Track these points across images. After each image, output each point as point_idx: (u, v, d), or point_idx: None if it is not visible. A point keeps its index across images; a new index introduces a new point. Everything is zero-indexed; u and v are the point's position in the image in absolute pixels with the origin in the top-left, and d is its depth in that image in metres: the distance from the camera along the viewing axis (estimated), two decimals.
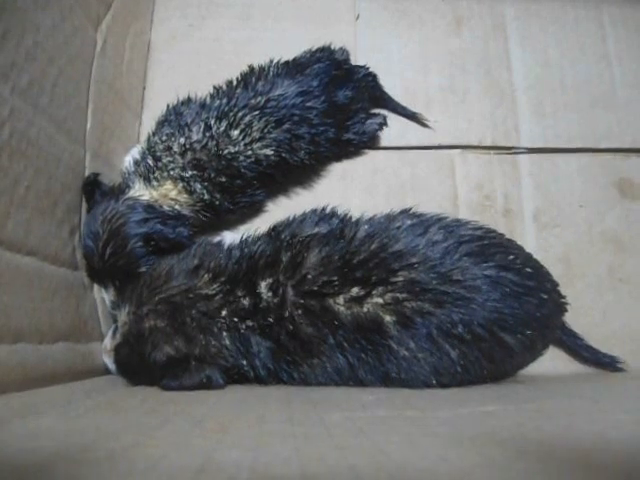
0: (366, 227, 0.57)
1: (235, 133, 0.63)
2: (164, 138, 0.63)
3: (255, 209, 0.71)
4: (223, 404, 0.43)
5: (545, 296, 0.55)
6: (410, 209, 0.60)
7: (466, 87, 0.81)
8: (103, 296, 0.62)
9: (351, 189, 0.76)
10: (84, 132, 0.62)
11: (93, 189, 0.61)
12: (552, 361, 0.66)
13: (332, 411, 0.40)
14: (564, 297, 0.60)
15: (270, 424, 0.34)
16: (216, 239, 0.67)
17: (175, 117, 0.65)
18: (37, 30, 0.52)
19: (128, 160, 0.67)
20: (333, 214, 0.62)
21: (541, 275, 0.58)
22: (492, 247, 0.55)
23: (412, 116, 0.77)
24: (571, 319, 0.64)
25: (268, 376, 0.54)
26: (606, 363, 0.64)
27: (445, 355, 0.51)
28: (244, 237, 0.61)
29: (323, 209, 0.63)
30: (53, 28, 0.55)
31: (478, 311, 0.51)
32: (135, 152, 0.68)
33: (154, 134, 0.65)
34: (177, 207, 0.62)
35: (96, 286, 0.63)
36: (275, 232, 0.60)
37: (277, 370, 0.54)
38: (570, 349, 0.65)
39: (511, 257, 0.55)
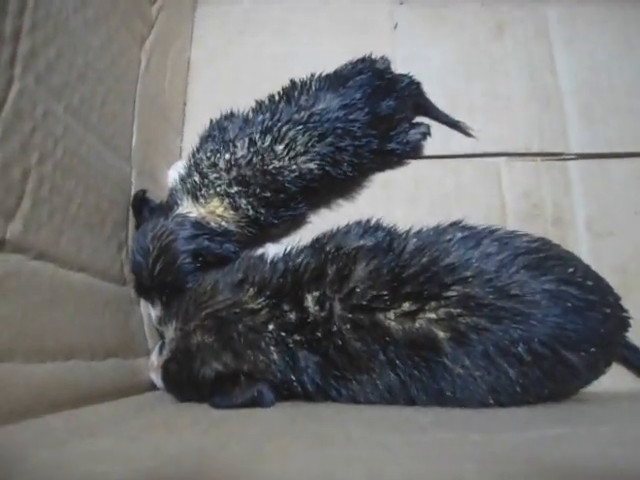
0: (415, 240, 0.55)
1: (280, 148, 0.62)
2: (209, 154, 0.63)
3: (298, 222, 0.71)
4: (276, 424, 0.42)
5: (608, 310, 0.52)
6: (460, 221, 0.57)
7: (510, 93, 0.79)
8: (149, 312, 0.62)
9: (394, 199, 0.74)
10: (130, 149, 0.63)
11: (142, 205, 0.61)
12: (613, 378, 0.62)
13: (390, 433, 0.38)
14: (627, 311, 0.56)
15: (330, 447, 0.33)
16: (259, 252, 0.67)
17: (219, 132, 0.65)
18: (87, 51, 0.53)
19: (173, 176, 0.67)
20: (378, 226, 0.60)
21: (603, 288, 0.54)
22: (550, 259, 0.52)
23: (456, 124, 0.75)
24: (631, 333, 0.60)
25: (317, 392, 0.53)
26: None
27: (503, 374, 0.49)
28: (287, 249, 0.60)
29: (368, 221, 0.61)
30: (102, 48, 0.56)
31: (538, 327, 0.48)
32: (180, 167, 0.68)
33: (198, 150, 0.66)
34: (224, 223, 0.62)
35: (142, 301, 0.63)
36: (319, 244, 0.59)
37: (325, 386, 0.53)
38: (633, 366, 0.62)
39: (571, 270, 0.52)
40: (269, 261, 0.60)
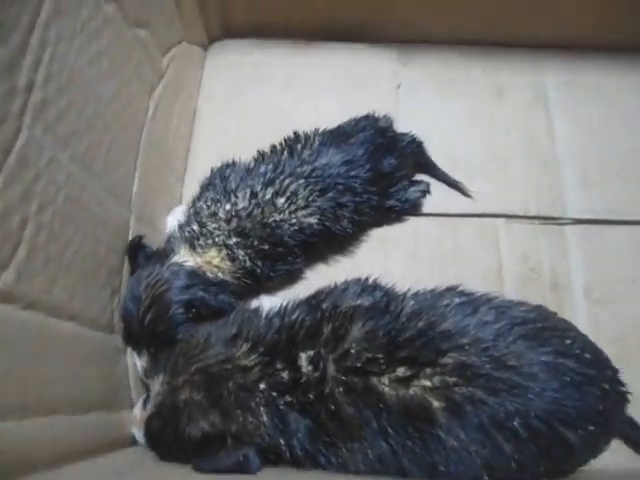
0: (412, 302, 0.55)
1: (281, 201, 0.63)
2: (209, 203, 0.63)
3: (294, 276, 0.70)
4: None
5: (607, 386, 0.51)
6: (457, 286, 0.57)
7: (509, 156, 0.81)
8: (135, 362, 0.60)
9: (392, 256, 0.74)
10: (130, 195, 0.63)
11: (137, 251, 0.61)
12: (611, 455, 0.60)
13: None
14: (625, 385, 0.55)
15: None
16: (254, 304, 0.66)
17: (220, 181, 0.65)
18: (98, 101, 0.54)
19: (172, 222, 0.67)
20: (376, 286, 0.60)
21: (601, 361, 0.53)
22: (547, 330, 0.52)
23: (454, 184, 0.76)
24: (630, 408, 0.59)
25: (305, 458, 0.51)
26: None
27: (498, 449, 0.47)
28: (283, 304, 0.59)
29: (366, 280, 0.61)
30: (112, 98, 0.57)
31: (535, 402, 0.47)
32: (179, 214, 0.68)
33: (199, 198, 0.66)
34: (220, 274, 0.62)
35: (129, 350, 0.61)
36: (315, 301, 0.58)
37: (315, 452, 0.51)
38: (633, 443, 0.60)
39: (568, 341, 0.51)
40: (264, 316, 0.59)
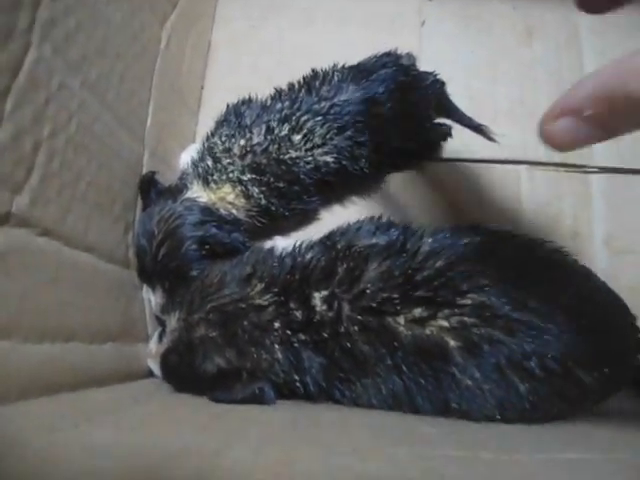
0: (430, 241, 0.53)
1: (297, 138, 0.61)
2: (224, 139, 0.61)
3: (309, 216, 0.69)
4: (278, 425, 0.41)
5: (624, 331, 0.50)
6: (479, 225, 0.56)
7: (536, 100, 0.77)
8: (150, 297, 0.61)
9: (410, 201, 0.72)
10: (144, 129, 0.61)
11: (149, 187, 0.60)
12: (622, 397, 0.60)
13: (397, 445, 0.36)
14: None
15: (337, 457, 0.31)
16: (268, 244, 0.65)
17: (235, 118, 0.63)
18: (108, 25, 0.51)
19: (186, 159, 0.66)
20: (391, 224, 0.59)
21: (619, 308, 0.53)
22: (569, 273, 0.51)
23: (478, 128, 0.73)
24: None
25: (319, 394, 0.51)
26: None
27: (513, 388, 0.47)
28: (297, 244, 0.58)
29: (380, 217, 0.59)
30: (122, 23, 0.54)
31: (553, 343, 0.46)
32: (193, 151, 0.67)
33: (213, 134, 0.64)
34: (234, 211, 0.60)
35: (144, 287, 0.61)
36: (330, 241, 0.57)
37: (329, 388, 0.51)
38: None
39: (589, 286, 0.50)
40: (278, 255, 0.58)
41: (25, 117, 0.38)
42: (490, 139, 0.72)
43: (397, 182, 0.73)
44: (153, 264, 0.57)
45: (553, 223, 0.71)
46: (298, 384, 0.51)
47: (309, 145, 0.61)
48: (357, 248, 0.54)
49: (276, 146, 0.60)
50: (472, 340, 0.47)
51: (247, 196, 0.61)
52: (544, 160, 0.74)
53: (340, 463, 0.30)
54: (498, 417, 0.48)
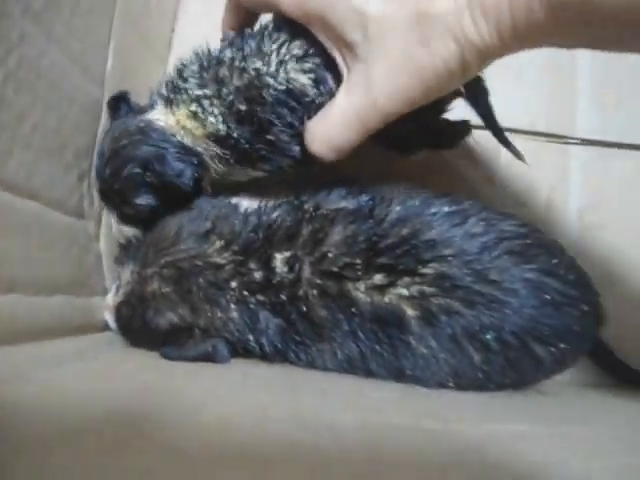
0: (398, 208, 0.52)
1: (269, 45, 0.50)
2: (195, 68, 0.54)
3: (282, 178, 0.63)
4: (224, 386, 0.40)
5: (586, 308, 0.50)
6: (448, 195, 0.54)
7: (522, 65, 0.74)
8: (111, 222, 0.58)
9: (387, 160, 0.69)
10: (103, 71, 0.57)
11: (119, 103, 0.56)
12: (577, 370, 0.61)
13: (344, 410, 0.36)
14: (604, 310, 0.54)
15: (274, 423, 0.30)
16: (232, 200, 0.63)
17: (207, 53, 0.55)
18: None
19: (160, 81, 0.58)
20: (362, 189, 0.57)
21: (584, 284, 0.52)
22: (535, 247, 0.49)
23: (508, 143, 0.62)
24: (606, 330, 0.59)
25: (275, 354, 0.51)
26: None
27: (467, 358, 0.47)
28: (263, 203, 0.56)
29: (352, 181, 0.57)
30: None
31: (512, 317, 0.46)
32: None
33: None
34: (188, 139, 0.54)
35: (102, 238, 0.59)
36: (298, 201, 0.55)
37: (284, 349, 0.51)
38: (601, 362, 0.61)
39: (555, 261, 0.49)
40: (241, 212, 0.56)
41: None
42: (518, 158, 0.64)
43: None
44: (103, 184, 0.54)
45: (528, 192, 0.70)
46: (253, 344, 0.51)
47: (283, 56, 0.50)
48: (324, 210, 0.52)
49: (241, 54, 0.51)
50: (430, 310, 0.46)
51: (203, 120, 0.52)
52: (526, 128, 0.71)
53: (276, 429, 0.29)
54: (451, 385, 0.48)
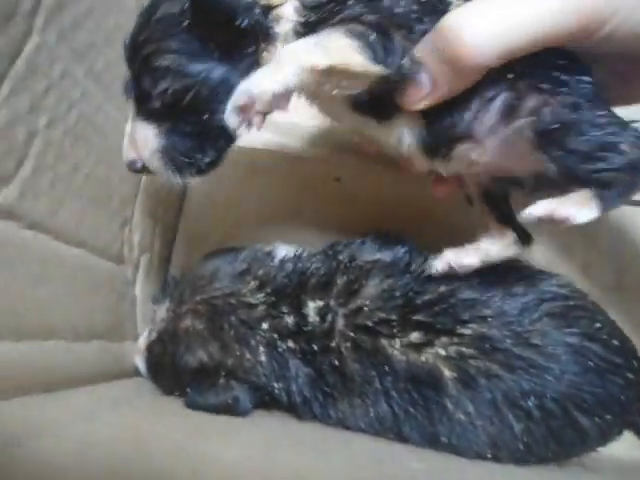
0: (435, 263, 0.51)
1: None
2: None
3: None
4: (255, 448, 0.39)
5: (631, 376, 0.48)
6: None
7: None
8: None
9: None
10: None
11: None
12: (621, 444, 0.57)
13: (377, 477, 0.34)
14: None
15: None
16: (267, 248, 0.63)
17: None
18: (120, 12, 0.49)
19: None
20: (398, 240, 0.57)
21: (628, 350, 0.50)
22: (577, 310, 0.48)
23: None
24: None
25: (303, 405, 0.50)
26: None
27: (507, 427, 0.45)
28: (299, 252, 0.56)
29: (387, 233, 0.57)
30: (135, 10, 0.52)
31: (554, 383, 0.44)
32: None
33: None
34: None
35: (138, 283, 0.60)
36: (332, 251, 0.56)
37: (313, 400, 0.50)
38: None
39: (597, 325, 0.48)
40: (277, 258, 0.56)
41: (21, 105, 0.37)
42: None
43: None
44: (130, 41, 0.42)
45: (564, 253, 0.68)
46: (280, 391, 0.50)
47: None
48: (359, 262, 0.53)
49: None
50: (468, 372, 0.45)
51: None
52: None
53: None
54: (489, 456, 0.46)
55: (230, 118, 0.38)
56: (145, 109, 0.42)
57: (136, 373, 0.57)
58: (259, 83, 0.37)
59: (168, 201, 0.66)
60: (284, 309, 0.51)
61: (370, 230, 0.59)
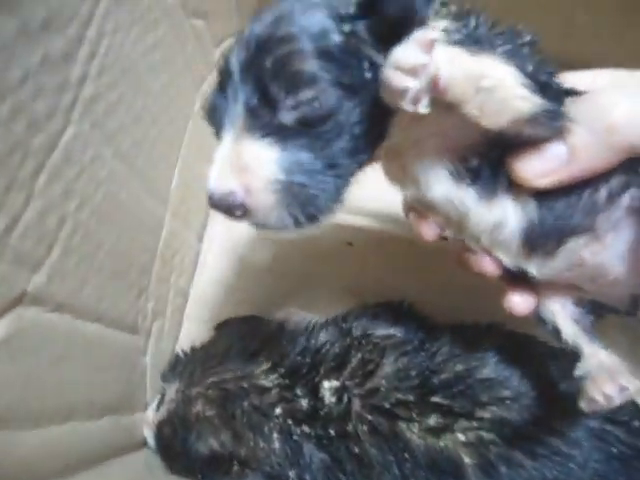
0: (449, 338, 0.51)
1: None
2: None
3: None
4: None
5: None
6: (499, 326, 0.53)
7: None
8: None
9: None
10: (168, 191, 0.61)
11: None
12: None
13: None
14: None
15: None
16: (280, 315, 0.63)
17: None
18: (147, 94, 0.51)
19: None
20: (410, 313, 0.57)
21: None
22: None
23: None
24: None
25: None
26: None
27: None
28: (311, 324, 0.56)
29: (400, 304, 0.58)
30: (161, 92, 0.55)
31: (576, 472, 0.43)
32: None
33: None
34: None
35: (149, 350, 0.59)
36: (346, 325, 0.56)
37: None
38: None
39: (620, 407, 0.47)
40: (289, 331, 0.56)
41: (55, 193, 0.38)
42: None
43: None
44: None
45: None
46: (295, 479, 0.48)
47: None
48: (373, 338, 0.52)
49: None
50: (489, 459, 0.44)
51: None
52: None
53: None
54: None
55: (396, 78, 0.28)
56: (262, 124, 0.31)
57: (145, 444, 0.56)
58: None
59: (182, 266, 0.66)
60: (298, 392, 0.50)
61: (382, 300, 0.59)
